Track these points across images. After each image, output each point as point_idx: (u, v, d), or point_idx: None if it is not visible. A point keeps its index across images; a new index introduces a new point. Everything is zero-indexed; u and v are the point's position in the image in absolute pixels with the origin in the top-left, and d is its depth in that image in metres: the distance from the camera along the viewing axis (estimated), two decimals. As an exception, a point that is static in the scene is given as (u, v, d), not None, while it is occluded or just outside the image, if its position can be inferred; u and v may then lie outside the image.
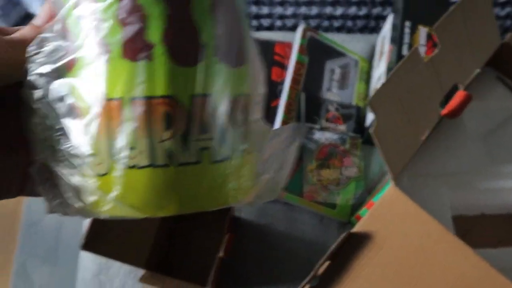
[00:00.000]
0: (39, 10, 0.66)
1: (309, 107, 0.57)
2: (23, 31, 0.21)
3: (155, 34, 0.17)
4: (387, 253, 0.39)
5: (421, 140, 0.44)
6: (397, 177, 0.42)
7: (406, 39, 0.53)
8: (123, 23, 0.17)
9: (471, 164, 0.49)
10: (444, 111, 0.45)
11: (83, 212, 0.19)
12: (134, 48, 0.17)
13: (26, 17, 0.73)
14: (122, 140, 0.17)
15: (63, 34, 0.18)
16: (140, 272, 0.50)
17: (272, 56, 0.59)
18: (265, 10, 0.70)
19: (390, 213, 0.40)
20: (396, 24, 0.55)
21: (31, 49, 0.19)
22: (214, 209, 0.20)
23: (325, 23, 0.72)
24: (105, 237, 0.43)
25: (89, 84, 0.17)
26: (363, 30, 0.74)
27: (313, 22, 0.71)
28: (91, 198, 0.19)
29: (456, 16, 0.46)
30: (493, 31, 0.51)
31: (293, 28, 0.72)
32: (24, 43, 0.20)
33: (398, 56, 0.52)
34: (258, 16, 0.71)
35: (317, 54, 0.61)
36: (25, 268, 1.04)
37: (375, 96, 0.39)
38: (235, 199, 0.20)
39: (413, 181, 0.48)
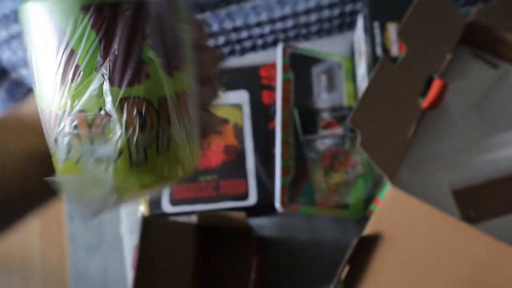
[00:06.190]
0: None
1: (304, 120, 0.61)
2: None
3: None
4: (399, 249, 0.43)
5: (409, 137, 0.47)
6: (395, 176, 0.45)
7: (378, 39, 0.56)
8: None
9: (463, 143, 0.52)
10: (425, 104, 0.48)
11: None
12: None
13: (30, 92, 0.78)
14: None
15: None
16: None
17: (259, 81, 0.63)
18: (244, 34, 0.73)
19: (393, 212, 0.44)
20: (366, 26, 0.58)
21: None
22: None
23: (303, 31, 0.75)
24: (152, 284, 0.49)
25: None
26: (341, 27, 0.77)
27: (291, 33, 0.75)
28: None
29: (417, 14, 0.48)
30: (455, 14, 0.53)
31: (275, 43, 0.75)
32: None
33: (373, 58, 0.55)
34: (239, 41, 0.74)
35: (301, 66, 0.65)
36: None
37: (355, 114, 0.42)
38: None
39: (412, 173, 0.51)
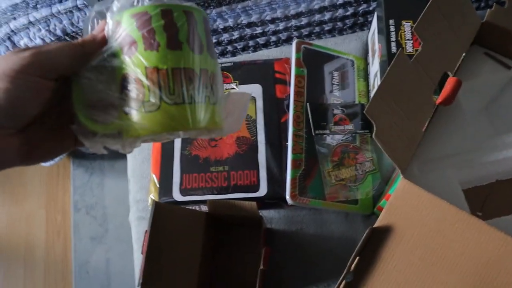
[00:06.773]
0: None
1: (316, 115, 0.61)
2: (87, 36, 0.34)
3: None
4: (409, 242, 0.43)
5: (422, 131, 0.47)
6: (406, 169, 0.46)
7: (393, 36, 0.57)
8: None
9: (473, 142, 0.53)
10: (439, 100, 0.48)
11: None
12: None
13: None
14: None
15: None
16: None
17: (273, 75, 0.64)
18: (258, 30, 0.74)
19: (405, 204, 0.44)
20: (381, 23, 0.58)
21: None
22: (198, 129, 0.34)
23: (317, 29, 0.76)
24: (158, 275, 0.49)
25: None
26: (353, 27, 0.77)
27: (305, 31, 0.75)
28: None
29: (433, 11, 0.49)
30: (471, 14, 0.54)
31: (288, 40, 0.76)
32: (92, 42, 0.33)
33: (388, 54, 0.56)
34: (253, 36, 0.75)
35: (314, 63, 0.65)
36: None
37: (370, 105, 0.43)
38: (212, 124, 0.34)
39: (422, 169, 0.52)
